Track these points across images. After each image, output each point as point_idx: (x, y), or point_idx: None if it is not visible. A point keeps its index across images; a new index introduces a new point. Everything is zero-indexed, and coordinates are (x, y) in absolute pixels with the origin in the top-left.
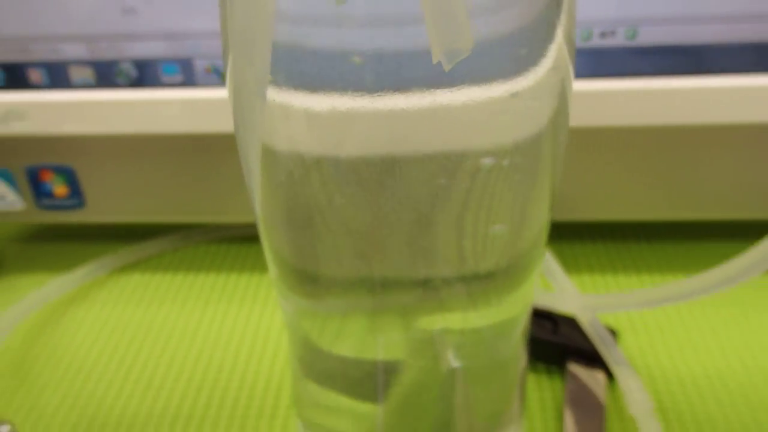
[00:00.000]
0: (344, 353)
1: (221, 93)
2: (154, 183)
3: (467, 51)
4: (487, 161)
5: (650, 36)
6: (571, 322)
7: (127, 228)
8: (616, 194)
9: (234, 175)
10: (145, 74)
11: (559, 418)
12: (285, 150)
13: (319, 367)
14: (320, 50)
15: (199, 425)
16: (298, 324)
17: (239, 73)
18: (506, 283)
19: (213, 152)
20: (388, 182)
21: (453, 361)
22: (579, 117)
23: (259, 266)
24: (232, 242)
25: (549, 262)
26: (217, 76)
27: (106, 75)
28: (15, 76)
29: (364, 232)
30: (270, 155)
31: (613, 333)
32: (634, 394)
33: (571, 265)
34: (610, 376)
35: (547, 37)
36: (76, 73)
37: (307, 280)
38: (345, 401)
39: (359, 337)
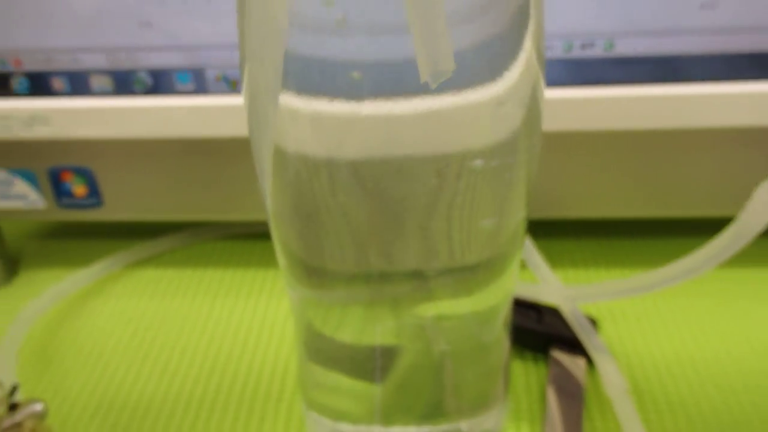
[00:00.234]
0: (345, 339)
1: (230, 100)
2: (166, 183)
3: (449, 73)
4: (469, 162)
5: (626, 47)
6: (554, 312)
7: (141, 225)
8: (598, 193)
9: (241, 176)
10: (159, 82)
11: (543, 399)
12: (292, 151)
13: (323, 351)
14: (324, 62)
15: (210, 408)
16: (304, 312)
17: (254, 81)
18: (488, 274)
19: (222, 155)
20: (383, 182)
21: (442, 345)
22: (562, 122)
23: (264, 262)
24: (239, 239)
25: (534, 256)
26: (227, 85)
27: (123, 83)
28: (39, 84)
29: (362, 228)
30: (280, 156)
31: (593, 322)
32: (611, 376)
33: (556, 260)
34: (590, 361)
35: (517, 48)
36: (96, 82)
37: (311, 272)
38: (346, 382)
39: (358, 324)
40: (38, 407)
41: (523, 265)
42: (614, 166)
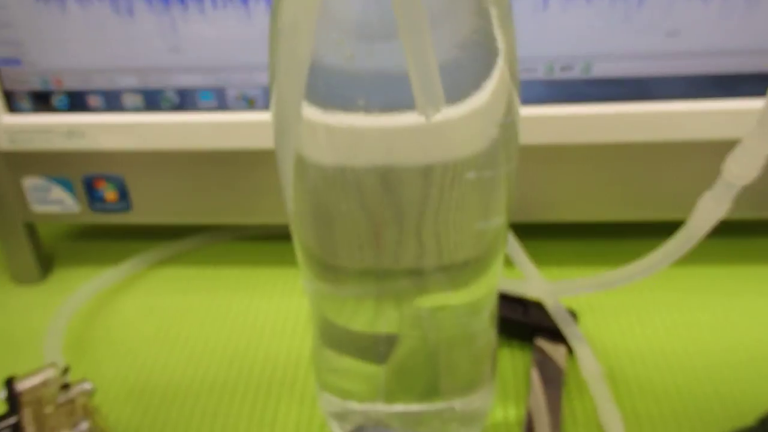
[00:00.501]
0: (354, 327)
1: (248, 116)
2: (189, 190)
3: (439, 111)
4: (459, 172)
5: (601, 70)
6: (538, 306)
7: (165, 228)
8: (579, 199)
9: (256, 183)
10: (185, 100)
11: (527, 382)
12: (310, 160)
13: (335, 338)
14: (337, 85)
15: (232, 391)
16: (319, 303)
17: (281, 100)
18: (476, 271)
19: (239, 164)
20: (386, 189)
21: (437, 332)
22: (545, 136)
23: (277, 261)
24: (254, 240)
25: (520, 255)
26: (245, 103)
27: (152, 101)
28: (77, 101)
29: (368, 230)
30: (300, 164)
31: (574, 314)
32: (588, 362)
33: (542, 260)
34: (570, 349)
35: (489, 70)
36: (128, 99)
37: (326, 269)
38: (355, 364)
39: (365, 314)
40: (88, 386)
41: (511, 264)
42: (593, 175)
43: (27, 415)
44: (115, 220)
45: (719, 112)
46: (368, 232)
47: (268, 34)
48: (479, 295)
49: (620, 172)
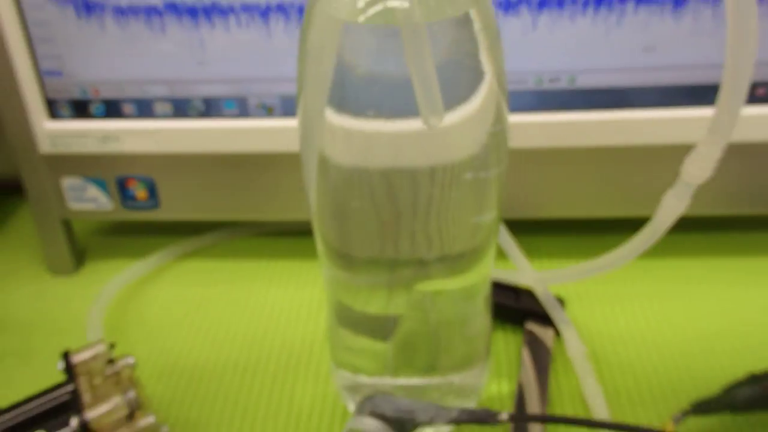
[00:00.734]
0: (365, 309)
1: (266, 123)
2: (212, 189)
3: (441, 122)
4: (457, 173)
5: (585, 81)
6: (529, 293)
7: (189, 224)
8: (567, 198)
9: (273, 183)
10: (210, 108)
11: (518, 360)
12: (331, 161)
13: (348, 319)
14: (355, 97)
15: (253, 371)
16: (335, 288)
17: (307, 109)
18: (471, 260)
19: (258, 166)
20: (395, 187)
21: (437, 314)
22: (535, 140)
23: (291, 255)
24: (271, 236)
25: (512, 249)
26: (264, 111)
27: (181, 109)
28: (112, 109)
29: (378, 224)
30: (322, 165)
31: (561, 301)
32: (573, 343)
33: (534, 253)
34: (557, 332)
35: (478, 79)
36: (159, 107)
37: (342, 258)
38: (365, 343)
39: (375, 298)
40: (131, 360)
41: (505, 256)
42: (579, 175)
43: (82, 383)
44: (145, 217)
45: (690, 119)
46: (379, 225)
47: (292, 51)
48: (474, 281)
49: (603, 173)
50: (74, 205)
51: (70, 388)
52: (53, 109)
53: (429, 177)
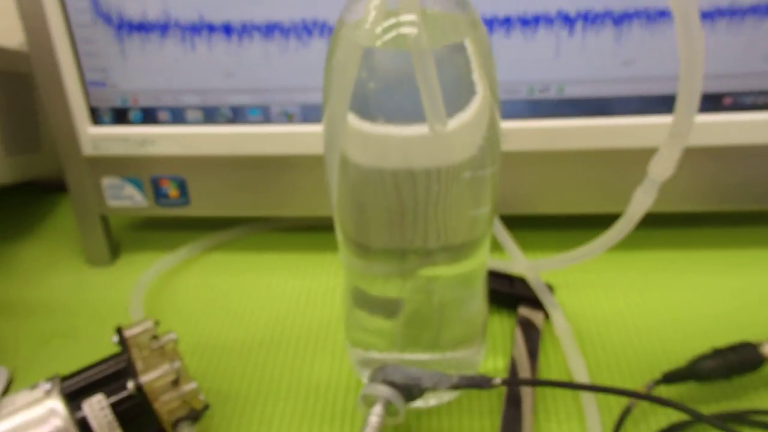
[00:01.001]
0: (377, 293)
1: (288, 128)
2: (237, 188)
3: (444, 129)
4: (457, 172)
5: (573, 91)
6: (521, 280)
7: (215, 220)
8: (558, 195)
9: (292, 183)
10: (237, 115)
11: (512, 339)
12: (351, 162)
13: (363, 301)
14: (371, 106)
15: (276, 349)
16: (352, 274)
17: (331, 117)
18: (469, 249)
19: (279, 168)
20: (405, 185)
21: (439, 297)
22: (528, 144)
23: (308, 247)
24: (289, 231)
25: (507, 241)
26: (285, 117)
27: (210, 115)
28: (149, 116)
29: (390, 217)
30: (343, 165)
31: (551, 288)
32: (560, 324)
33: (528, 246)
34: (546, 315)
35: (474, 92)
36: (190, 114)
37: (359, 247)
38: (378, 322)
39: (386, 283)
40: (173, 335)
41: (501, 248)
42: (567, 175)
43: (134, 353)
44: (176, 213)
45: (665, 125)
46: (390, 217)
47: (310, 65)
48: (472, 268)
49: (589, 173)
50: (112, 203)
51: (124, 357)
52: (96, 116)
53: (434, 175)
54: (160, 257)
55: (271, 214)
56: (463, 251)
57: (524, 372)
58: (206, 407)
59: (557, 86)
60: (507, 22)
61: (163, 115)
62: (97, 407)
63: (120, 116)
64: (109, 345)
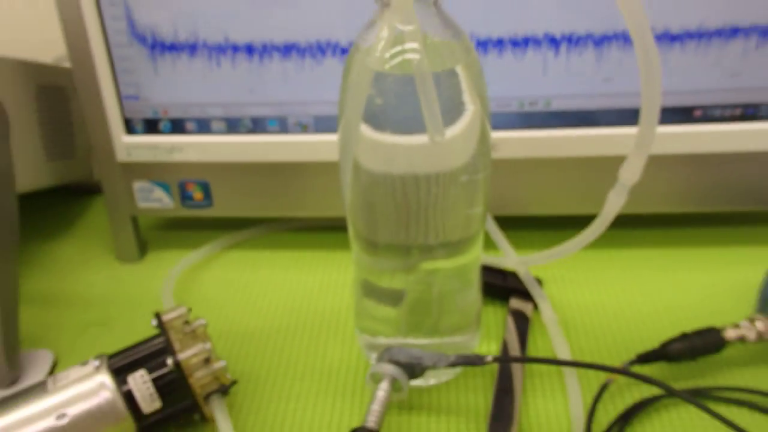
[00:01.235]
0: (384, 284)
1: (303, 137)
2: (256, 191)
3: (443, 139)
4: (453, 176)
5: (559, 104)
6: (513, 274)
7: (235, 220)
8: (547, 198)
9: (306, 187)
10: (257, 126)
11: (504, 327)
12: (363, 167)
13: (371, 291)
14: (381, 118)
15: (292, 335)
16: (362, 268)
17: (346, 127)
18: (464, 245)
19: (295, 173)
20: (409, 188)
21: (438, 288)
22: (519, 152)
23: (320, 246)
24: (303, 231)
25: (501, 239)
26: (300, 128)
27: (233, 126)
28: (177, 126)
29: (395, 217)
30: (356, 170)
31: (540, 281)
32: (547, 313)
33: (520, 244)
34: (535, 306)
35: (468, 108)
36: (215, 125)
37: (368, 243)
38: (384, 310)
39: (392, 275)
40: (203, 321)
41: (495, 246)
42: (555, 180)
43: (172, 335)
44: (200, 214)
45: None
46: (396, 216)
47: (323, 81)
48: (467, 261)
49: (574, 179)
50: (142, 204)
51: (162, 338)
52: (129, 126)
53: (434, 179)
54: (185, 254)
55: (286, 215)
56: (460, 247)
57: (515, 353)
58: (234, 383)
59: (545, 100)
60: (500, 43)
61: (190, 126)
62: (140, 381)
63: (151, 126)
64: (141, 332)
